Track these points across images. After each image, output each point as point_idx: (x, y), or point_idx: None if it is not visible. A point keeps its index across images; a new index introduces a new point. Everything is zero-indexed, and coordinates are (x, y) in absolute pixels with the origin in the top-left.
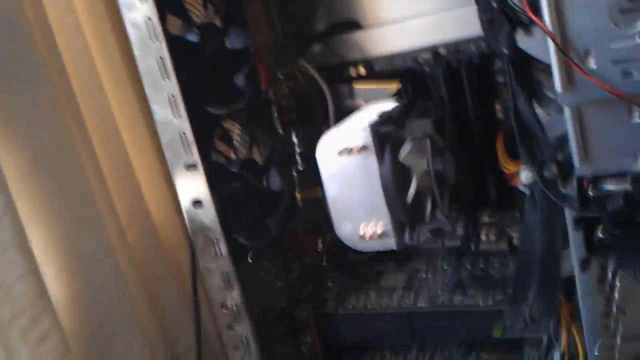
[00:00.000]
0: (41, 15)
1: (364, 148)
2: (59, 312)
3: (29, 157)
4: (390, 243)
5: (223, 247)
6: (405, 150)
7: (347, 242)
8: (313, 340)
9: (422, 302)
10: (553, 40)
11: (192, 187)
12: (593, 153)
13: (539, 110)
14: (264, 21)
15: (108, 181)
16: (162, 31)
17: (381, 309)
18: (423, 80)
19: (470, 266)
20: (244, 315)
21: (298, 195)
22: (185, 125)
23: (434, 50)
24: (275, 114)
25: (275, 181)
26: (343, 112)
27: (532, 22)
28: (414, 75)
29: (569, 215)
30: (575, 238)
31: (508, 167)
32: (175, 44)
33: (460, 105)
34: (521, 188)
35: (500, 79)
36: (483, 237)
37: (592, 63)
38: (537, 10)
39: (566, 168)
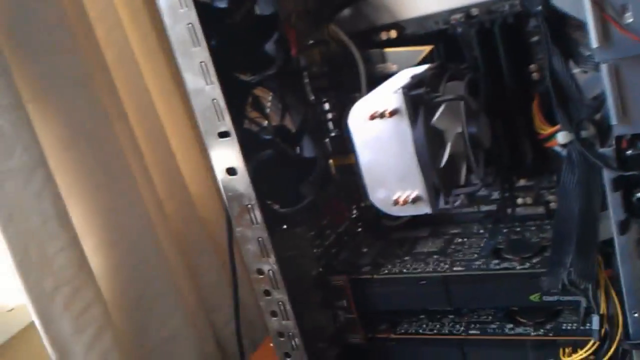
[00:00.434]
0: None
1: (396, 112)
2: (99, 284)
3: (66, 131)
4: (425, 207)
5: (258, 214)
6: (438, 113)
7: (382, 208)
8: (349, 305)
9: (457, 266)
10: None
11: (226, 154)
12: (631, 111)
13: (575, 70)
14: None
15: (144, 153)
16: None
17: (417, 273)
18: (456, 42)
19: (507, 231)
20: (280, 281)
21: (331, 162)
22: (217, 92)
23: (466, 10)
24: (307, 81)
25: (308, 148)
26: (375, 77)
27: None
28: (446, 37)
29: (607, 176)
30: (613, 199)
31: (544, 129)
32: (205, 10)
33: (494, 66)
34: (558, 150)
35: (534, 38)
36: (519, 201)
37: (628, 17)
38: None
39: (604, 127)
